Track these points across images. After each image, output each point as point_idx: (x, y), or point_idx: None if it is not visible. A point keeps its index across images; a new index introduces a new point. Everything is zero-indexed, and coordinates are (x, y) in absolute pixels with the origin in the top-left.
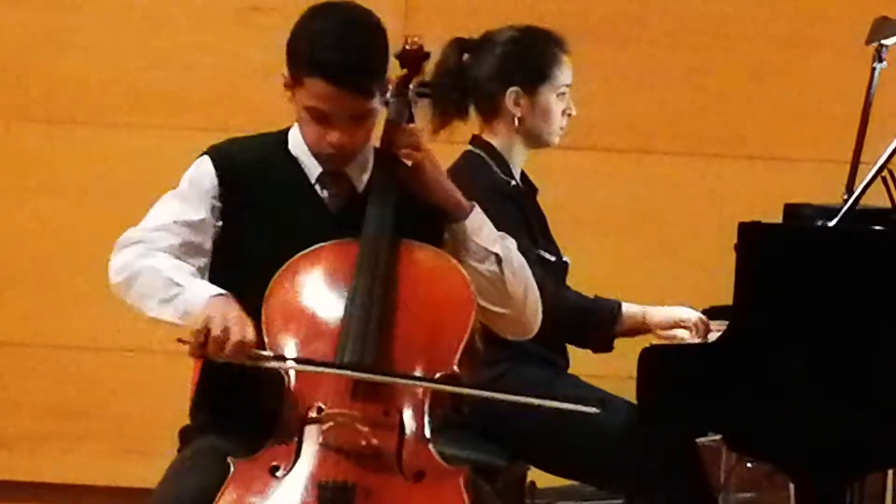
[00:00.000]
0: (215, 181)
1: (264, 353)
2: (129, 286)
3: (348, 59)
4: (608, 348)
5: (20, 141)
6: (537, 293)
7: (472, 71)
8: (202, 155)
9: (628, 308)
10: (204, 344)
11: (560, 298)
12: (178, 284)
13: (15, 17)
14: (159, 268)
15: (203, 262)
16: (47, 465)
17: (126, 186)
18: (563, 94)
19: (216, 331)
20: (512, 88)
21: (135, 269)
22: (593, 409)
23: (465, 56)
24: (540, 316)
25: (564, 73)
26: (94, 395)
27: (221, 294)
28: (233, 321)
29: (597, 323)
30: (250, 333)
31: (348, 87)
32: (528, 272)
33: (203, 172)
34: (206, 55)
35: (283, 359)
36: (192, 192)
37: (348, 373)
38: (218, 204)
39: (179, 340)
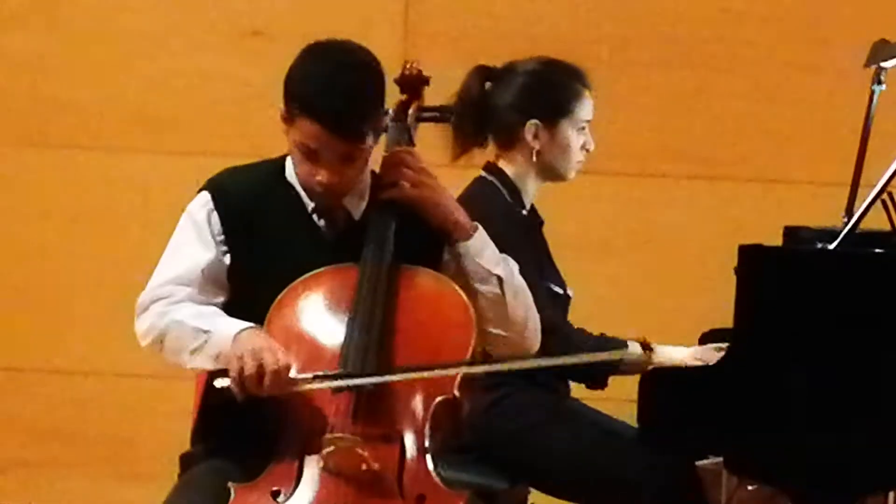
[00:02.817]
0: (217, 217)
1: (303, 376)
2: (161, 346)
3: (339, 104)
4: (602, 387)
5: (19, 165)
6: (537, 316)
7: (492, 99)
8: (201, 190)
9: (633, 349)
10: (242, 381)
11: (566, 339)
12: (203, 331)
13: (13, 42)
14: (182, 320)
15: (224, 296)
16: (44, 490)
17: (125, 211)
18: (583, 128)
19: (249, 369)
20: (532, 121)
21: (160, 329)
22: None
23: (488, 84)
24: (539, 338)
25: (585, 109)
26: (92, 419)
27: (245, 328)
28: (263, 353)
29: (602, 366)
30: (283, 359)
31: (337, 133)
32: (529, 295)
33: (205, 210)
34: (207, 80)
35: (322, 378)
36: (199, 233)
37: (369, 380)
38: (221, 237)
39: (221, 388)
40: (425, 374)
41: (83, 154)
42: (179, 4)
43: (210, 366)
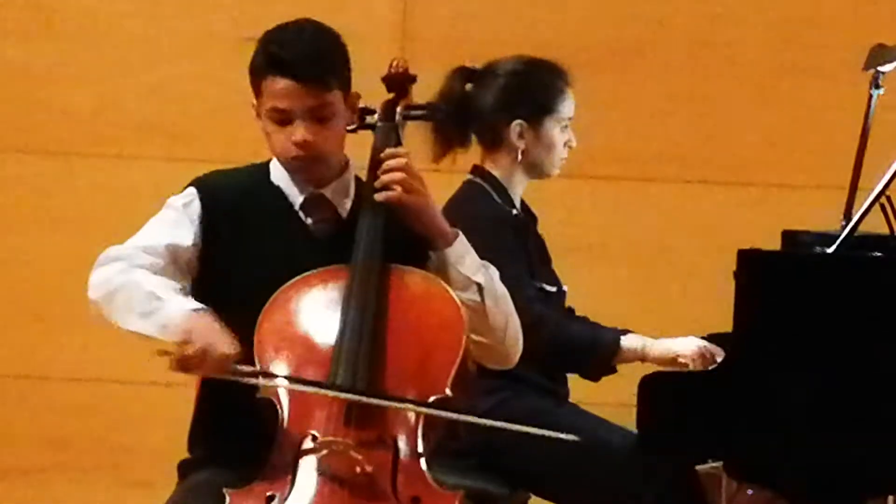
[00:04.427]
0: (197, 206)
1: (247, 368)
2: (109, 301)
3: (301, 52)
4: (605, 376)
5: (16, 172)
6: (518, 324)
7: (475, 100)
8: (188, 186)
9: (628, 341)
10: (185, 357)
11: (561, 333)
12: (158, 298)
13: (10, 49)
14: (140, 282)
15: (183, 284)
16: (47, 497)
17: (123, 218)
18: (566, 126)
19: (197, 344)
20: (516, 121)
21: (115, 284)
22: (571, 437)
23: (469, 85)
24: (520, 346)
25: (567, 106)
26: (93, 427)
27: (201, 308)
28: (214, 335)
29: (597, 357)
30: (231, 347)
31: (303, 78)
32: (510, 302)
33: (190, 201)
34: (203, 86)
35: (268, 375)
36: (181, 218)
37: (340, 394)
38: (198, 225)
39: (160, 352)
40: (412, 407)
41: (81, 161)
42: (176, 11)
43: (154, 334)
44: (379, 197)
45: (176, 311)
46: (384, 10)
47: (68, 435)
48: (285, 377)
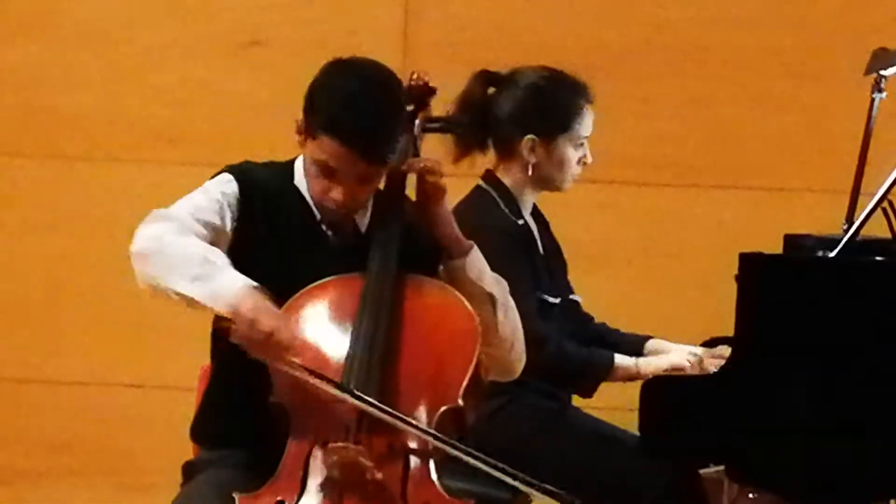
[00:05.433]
0: (239, 197)
1: (297, 361)
2: (157, 255)
3: (364, 124)
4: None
5: (21, 176)
6: (523, 337)
7: (494, 107)
8: (221, 172)
9: (621, 361)
10: (248, 337)
11: (557, 354)
12: (213, 264)
13: (14, 54)
14: (195, 245)
15: None
16: (49, 500)
17: (125, 221)
18: (582, 143)
19: (264, 326)
20: (529, 136)
21: (167, 241)
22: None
23: (491, 89)
24: (524, 359)
25: (585, 124)
26: (96, 430)
27: (257, 287)
28: (280, 319)
29: (590, 378)
30: (292, 334)
31: (360, 152)
32: (518, 315)
33: (225, 185)
34: (206, 90)
35: (320, 377)
36: (221, 201)
37: (375, 412)
38: (235, 214)
39: (221, 322)
40: (418, 432)
41: (84, 165)
42: (179, 16)
43: (200, 298)
44: (430, 182)
45: (231, 283)
46: (386, 15)
47: (71, 438)
48: (333, 383)
